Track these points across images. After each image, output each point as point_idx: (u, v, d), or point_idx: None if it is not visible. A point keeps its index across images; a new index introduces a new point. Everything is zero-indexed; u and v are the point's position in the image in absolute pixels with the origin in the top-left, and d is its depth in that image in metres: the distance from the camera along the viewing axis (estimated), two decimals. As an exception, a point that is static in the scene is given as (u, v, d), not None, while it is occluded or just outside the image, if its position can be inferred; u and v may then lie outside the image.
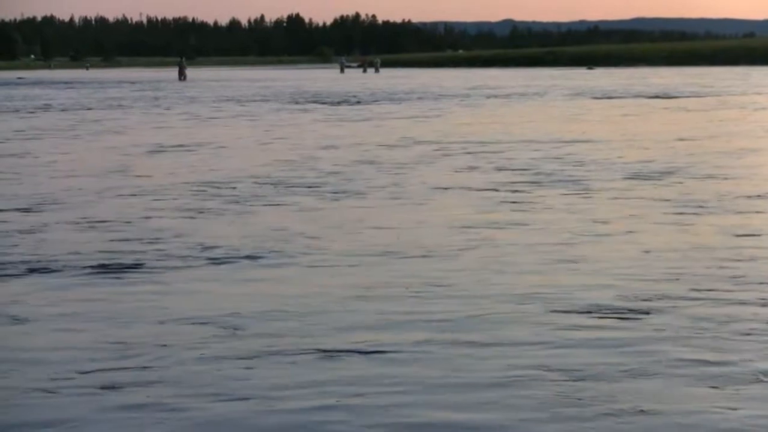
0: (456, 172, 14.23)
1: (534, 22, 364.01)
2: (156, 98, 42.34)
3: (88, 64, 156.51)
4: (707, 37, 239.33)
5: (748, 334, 5.94)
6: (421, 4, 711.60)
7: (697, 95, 37.20)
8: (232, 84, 62.97)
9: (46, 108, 35.62)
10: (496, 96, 40.02)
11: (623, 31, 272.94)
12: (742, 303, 6.62)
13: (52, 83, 71.47)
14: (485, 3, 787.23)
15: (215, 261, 8.24)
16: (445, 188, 12.47)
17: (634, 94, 38.65)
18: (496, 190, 12.18)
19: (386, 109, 31.48)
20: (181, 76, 74.98)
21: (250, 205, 11.28)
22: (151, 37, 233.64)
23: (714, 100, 33.88)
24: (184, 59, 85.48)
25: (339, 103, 35.98)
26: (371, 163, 15.57)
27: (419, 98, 39.01)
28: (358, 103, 36.32)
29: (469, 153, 16.77)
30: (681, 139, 18.73)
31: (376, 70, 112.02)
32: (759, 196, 11.36)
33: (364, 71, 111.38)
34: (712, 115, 26.24)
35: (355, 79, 74.63)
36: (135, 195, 12.25)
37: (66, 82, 73.10)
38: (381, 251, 8.51)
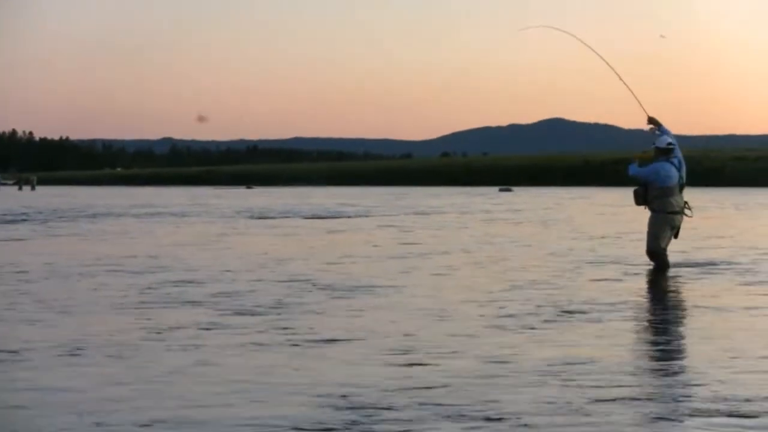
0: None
1: (193, 141, 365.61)
2: None
3: None
4: (366, 157, 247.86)
5: None
6: (79, 121, 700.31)
7: (357, 215, 38.63)
8: None
9: None
10: (172, 214, 40.44)
11: (283, 150, 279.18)
12: None
13: None
14: (144, 121, 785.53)
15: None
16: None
17: (304, 215, 39.63)
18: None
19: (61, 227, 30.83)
20: None
21: None
22: None
23: (375, 220, 35.23)
24: None
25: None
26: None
27: (79, 217, 38.46)
28: (24, 221, 35.42)
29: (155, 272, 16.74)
30: (369, 256, 19.47)
31: (33, 188, 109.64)
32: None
33: (20, 189, 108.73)
34: (375, 234, 27.33)
35: (13, 197, 72.56)
36: None
37: None
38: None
